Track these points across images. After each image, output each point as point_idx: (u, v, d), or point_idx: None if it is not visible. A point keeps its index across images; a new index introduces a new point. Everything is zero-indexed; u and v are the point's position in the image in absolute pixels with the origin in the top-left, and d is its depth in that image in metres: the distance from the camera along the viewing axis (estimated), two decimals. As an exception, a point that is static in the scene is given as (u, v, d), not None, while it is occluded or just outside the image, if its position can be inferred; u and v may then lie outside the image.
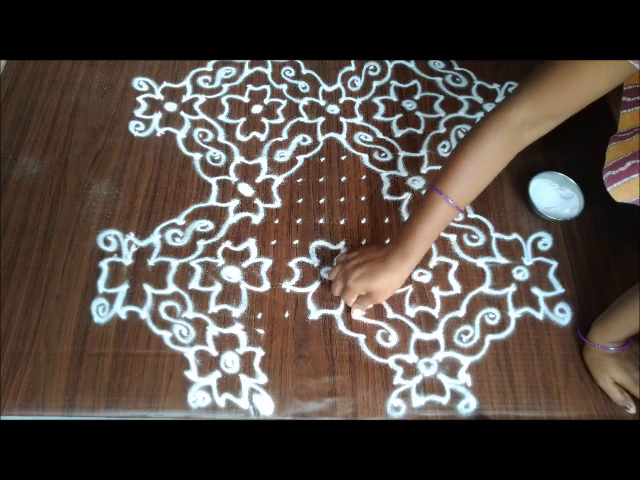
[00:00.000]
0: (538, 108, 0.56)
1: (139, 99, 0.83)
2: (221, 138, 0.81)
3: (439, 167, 0.79)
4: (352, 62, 0.90)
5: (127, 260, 0.70)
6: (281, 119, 0.83)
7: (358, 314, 0.67)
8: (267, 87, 0.86)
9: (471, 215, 0.76)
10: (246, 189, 0.77)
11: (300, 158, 0.80)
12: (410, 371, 0.65)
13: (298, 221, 0.74)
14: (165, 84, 0.85)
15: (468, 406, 0.63)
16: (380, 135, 0.82)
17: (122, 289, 0.68)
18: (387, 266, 0.61)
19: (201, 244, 0.72)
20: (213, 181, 0.77)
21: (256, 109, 0.84)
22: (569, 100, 0.55)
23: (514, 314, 0.69)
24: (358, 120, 0.84)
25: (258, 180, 0.77)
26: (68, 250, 0.70)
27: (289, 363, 0.65)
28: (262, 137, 0.81)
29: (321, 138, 0.82)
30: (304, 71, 0.89)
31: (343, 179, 0.78)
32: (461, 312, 0.69)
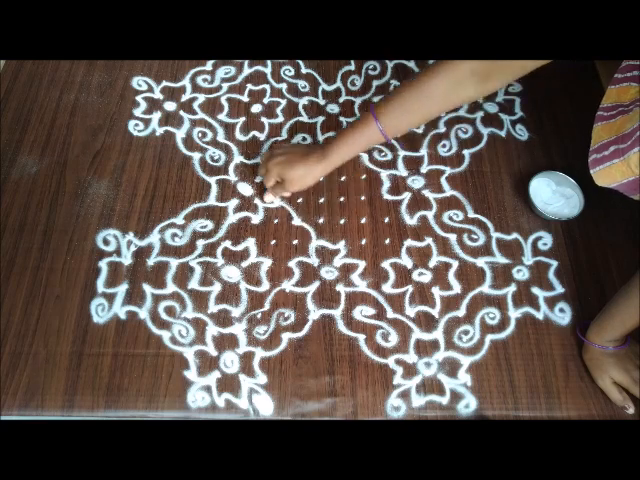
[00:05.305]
0: (488, 62, 0.58)
1: (138, 98, 0.83)
2: (220, 137, 0.81)
3: (439, 167, 0.79)
4: (352, 61, 0.90)
5: (126, 260, 0.70)
6: (281, 118, 0.83)
7: (270, 198, 0.74)
8: (267, 86, 0.86)
9: (471, 215, 0.76)
10: (246, 189, 0.76)
11: (300, 158, 0.79)
12: (410, 371, 0.65)
13: (298, 221, 0.74)
14: (164, 83, 0.85)
15: (468, 406, 0.63)
16: (380, 135, 0.82)
17: (121, 289, 0.68)
18: (305, 161, 0.68)
19: (200, 244, 0.71)
20: (212, 181, 0.77)
21: (255, 108, 0.84)
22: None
23: (514, 314, 0.69)
24: (358, 120, 0.83)
25: (258, 180, 0.77)
26: (67, 250, 0.70)
27: (289, 363, 0.65)
28: (262, 136, 0.81)
29: (321, 137, 0.81)
30: (304, 70, 0.88)
31: (343, 179, 0.78)
32: (461, 312, 0.69)
